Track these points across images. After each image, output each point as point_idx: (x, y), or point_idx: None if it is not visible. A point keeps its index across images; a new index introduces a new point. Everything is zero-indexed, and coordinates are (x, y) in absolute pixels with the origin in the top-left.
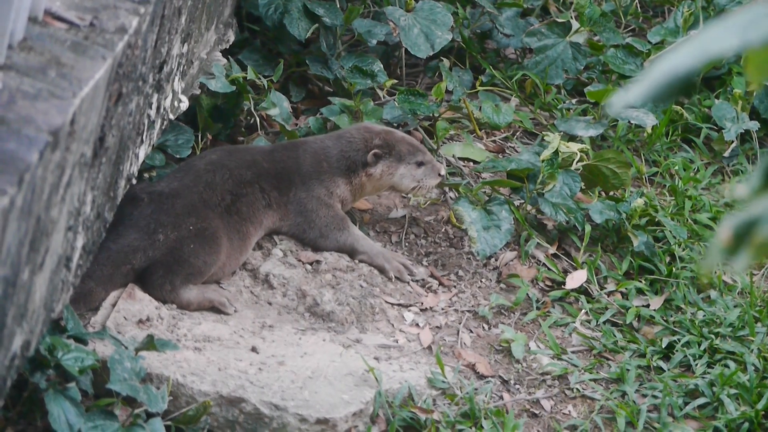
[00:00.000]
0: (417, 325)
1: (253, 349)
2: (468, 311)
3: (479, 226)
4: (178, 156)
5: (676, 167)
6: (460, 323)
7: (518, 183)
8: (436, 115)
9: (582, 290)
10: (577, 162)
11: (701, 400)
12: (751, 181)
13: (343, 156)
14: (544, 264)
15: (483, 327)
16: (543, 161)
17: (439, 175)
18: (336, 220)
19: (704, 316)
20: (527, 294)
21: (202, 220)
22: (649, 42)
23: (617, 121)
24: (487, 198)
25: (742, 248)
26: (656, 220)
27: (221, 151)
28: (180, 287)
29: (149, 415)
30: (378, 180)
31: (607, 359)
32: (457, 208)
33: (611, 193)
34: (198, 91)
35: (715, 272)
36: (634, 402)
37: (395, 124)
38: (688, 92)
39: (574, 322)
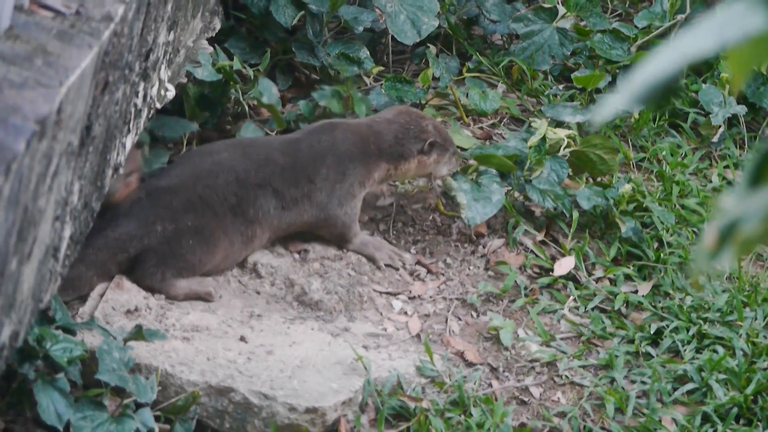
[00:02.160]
0: (405, 313)
1: (242, 339)
2: (456, 299)
3: (470, 197)
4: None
5: (664, 152)
6: (448, 311)
7: (510, 163)
8: (423, 101)
9: (570, 277)
10: (565, 148)
11: (690, 386)
12: (738, 189)
13: (398, 142)
14: (532, 251)
15: (471, 314)
16: (530, 148)
17: None
18: (353, 214)
19: (692, 301)
20: (515, 281)
21: (201, 218)
22: (636, 27)
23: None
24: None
25: (725, 248)
26: (644, 205)
27: (233, 149)
28: (170, 279)
29: (138, 406)
30: (424, 167)
31: (596, 346)
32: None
33: (599, 179)
34: (184, 80)
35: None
36: (622, 388)
37: None
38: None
39: (563, 309)
